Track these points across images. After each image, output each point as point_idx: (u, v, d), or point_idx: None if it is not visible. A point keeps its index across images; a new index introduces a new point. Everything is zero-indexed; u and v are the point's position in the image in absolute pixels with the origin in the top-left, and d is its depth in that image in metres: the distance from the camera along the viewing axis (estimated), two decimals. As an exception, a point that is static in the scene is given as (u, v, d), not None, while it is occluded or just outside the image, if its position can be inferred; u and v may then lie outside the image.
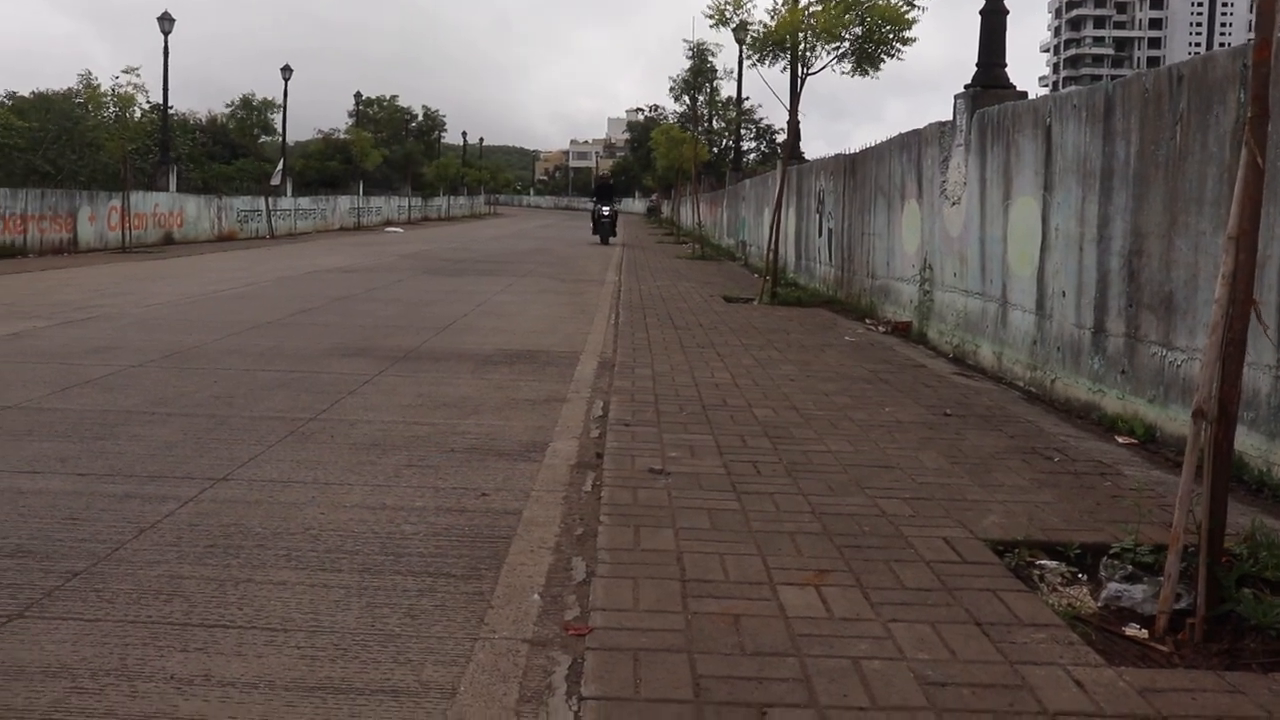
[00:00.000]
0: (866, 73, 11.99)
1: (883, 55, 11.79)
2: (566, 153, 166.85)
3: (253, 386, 6.30)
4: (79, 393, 5.98)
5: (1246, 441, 4.36)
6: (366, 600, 3.02)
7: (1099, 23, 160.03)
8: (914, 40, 11.74)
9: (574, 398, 6.24)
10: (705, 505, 3.93)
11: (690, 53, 27.62)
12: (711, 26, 13.71)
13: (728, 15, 13.37)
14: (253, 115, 35.57)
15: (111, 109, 24.49)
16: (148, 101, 27.16)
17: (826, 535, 3.62)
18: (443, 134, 74.43)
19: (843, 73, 12.19)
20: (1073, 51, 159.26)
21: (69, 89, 27.76)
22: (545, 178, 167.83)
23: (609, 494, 4.07)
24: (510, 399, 6.18)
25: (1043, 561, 3.46)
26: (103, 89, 25.57)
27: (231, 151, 43.64)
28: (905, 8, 11.47)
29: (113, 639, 2.70)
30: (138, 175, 25.75)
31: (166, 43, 27.81)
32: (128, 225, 22.41)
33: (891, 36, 11.59)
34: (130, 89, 23.66)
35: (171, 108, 30.06)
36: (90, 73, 26.21)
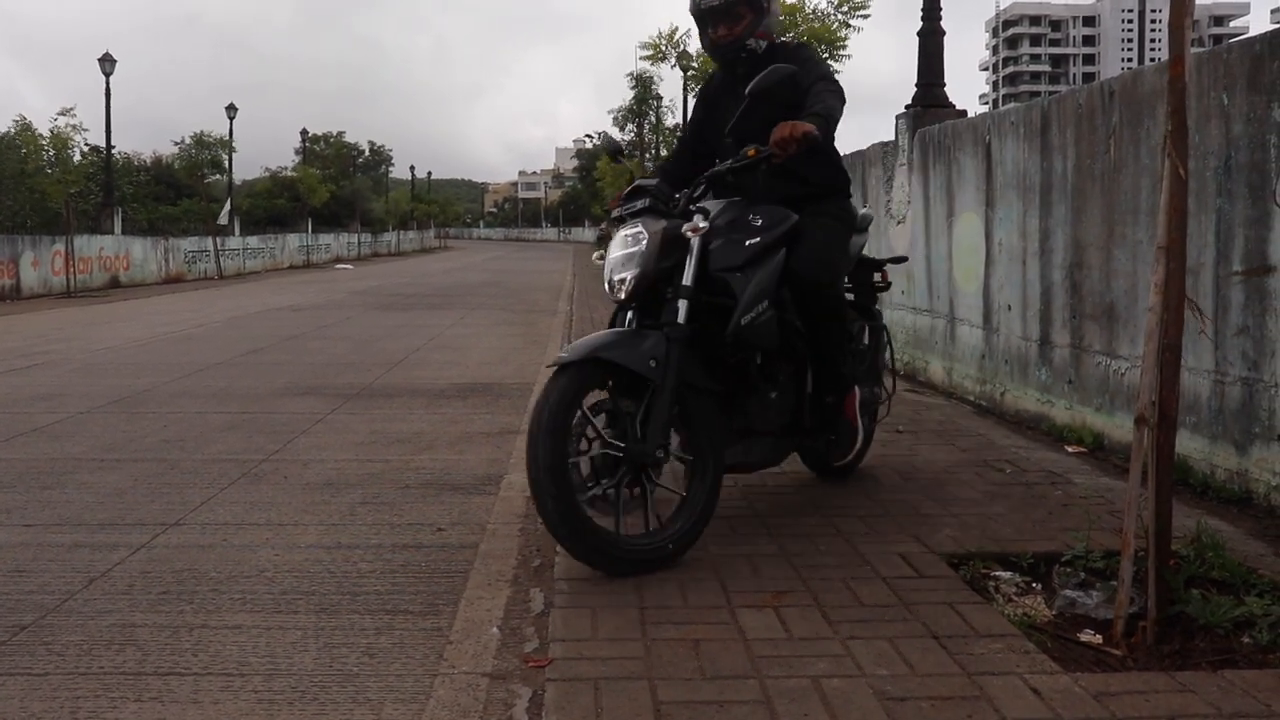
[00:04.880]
0: None
1: None
2: (515, 184, 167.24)
3: (204, 429, 6.22)
4: (24, 441, 5.87)
5: (1190, 445, 4.45)
6: (324, 641, 2.99)
7: (1035, 41, 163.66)
8: (849, 58, 11.88)
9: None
10: (663, 531, 3.93)
11: (633, 83, 27.67)
12: (651, 64, 13.78)
13: (664, 50, 13.50)
14: (205, 153, 35.28)
15: (49, 152, 24.21)
16: (86, 143, 26.91)
17: (784, 556, 3.64)
18: (390, 168, 74.31)
19: None
20: (1010, 69, 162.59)
21: (5, 133, 27.34)
22: (494, 209, 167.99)
23: (566, 523, 4.05)
24: (464, 432, 6.15)
25: (997, 573, 3.50)
26: (39, 131, 25.31)
27: (177, 192, 43.23)
28: (839, 27, 11.62)
29: (63, 693, 2.65)
30: (81, 218, 25.41)
31: (108, 84, 27.56)
32: (72, 270, 22.08)
33: (827, 56, 11.73)
34: (69, 130, 23.42)
35: (115, 148, 29.75)
36: (24, 117, 25.82)
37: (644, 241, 3.56)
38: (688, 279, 3.55)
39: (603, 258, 3.88)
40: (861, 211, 4.55)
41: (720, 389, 3.70)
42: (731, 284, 3.61)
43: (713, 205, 3.85)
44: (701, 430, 3.59)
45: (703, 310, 3.59)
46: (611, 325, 3.77)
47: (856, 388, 4.19)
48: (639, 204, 3.77)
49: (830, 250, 3.98)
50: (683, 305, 3.53)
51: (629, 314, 3.68)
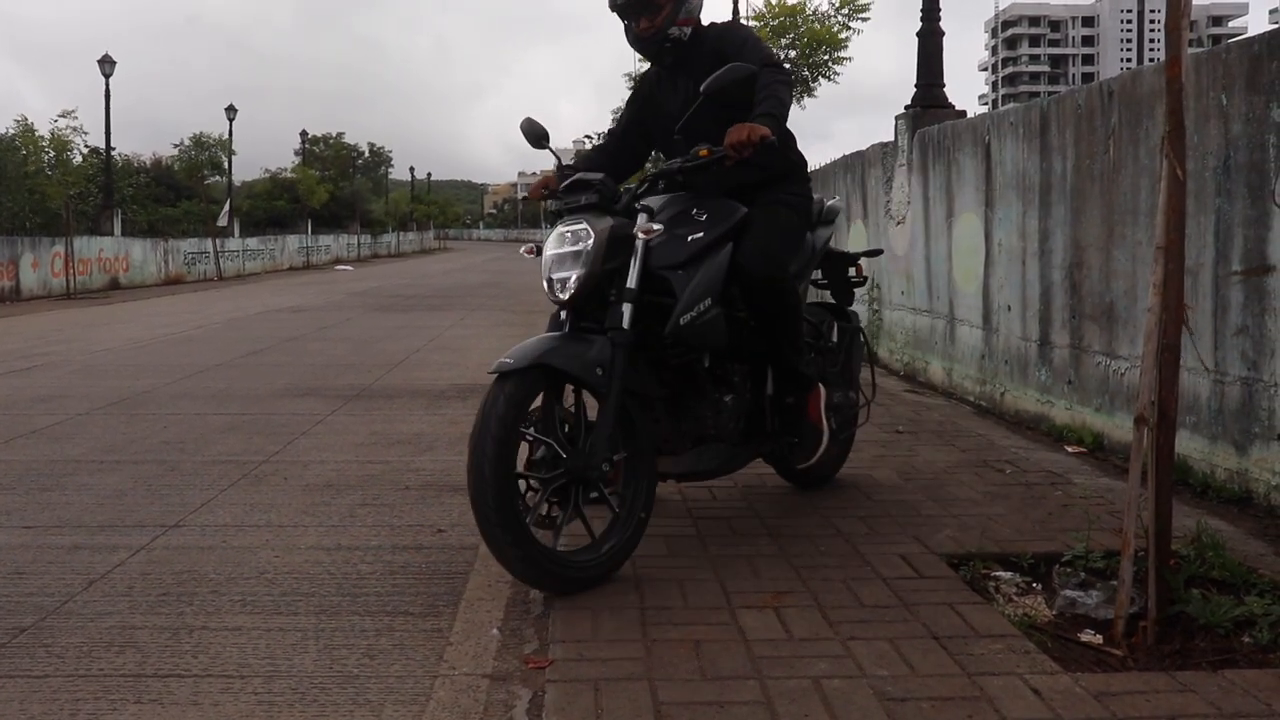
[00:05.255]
0: (801, 98, 12.09)
1: (819, 78, 11.92)
2: (514, 185, 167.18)
3: (204, 430, 6.22)
4: (24, 443, 5.87)
5: (1190, 445, 4.45)
6: (324, 642, 2.99)
7: (1034, 41, 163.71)
8: (849, 60, 11.88)
9: (529, 429, 6.22)
10: (662, 532, 3.93)
11: (630, 84, 27.58)
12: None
13: None
14: (204, 154, 35.25)
15: (49, 153, 24.21)
16: (86, 145, 26.90)
17: (784, 557, 3.64)
18: (389, 169, 74.21)
19: None
20: (1010, 70, 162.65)
21: (5, 134, 27.35)
22: (494, 210, 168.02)
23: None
24: (464, 434, 6.08)
25: (997, 573, 3.50)
26: (40, 133, 25.32)
27: (176, 193, 43.19)
28: (840, 29, 11.62)
29: (63, 695, 2.65)
30: (81, 219, 25.41)
31: (108, 85, 27.61)
32: (72, 271, 22.09)
33: (827, 58, 11.72)
34: (69, 132, 23.42)
35: (114, 150, 29.74)
36: (26, 118, 25.87)
37: (589, 241, 3.34)
38: (632, 281, 3.39)
39: (531, 251, 3.71)
40: (828, 203, 4.38)
41: (665, 393, 3.58)
42: (673, 282, 3.46)
43: (655, 200, 3.66)
44: (640, 439, 3.42)
45: (644, 310, 3.43)
46: (550, 327, 3.53)
47: (823, 389, 4.03)
48: (582, 199, 3.50)
49: (778, 242, 3.78)
50: (627, 309, 3.36)
51: (563, 315, 3.46)
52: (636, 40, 3.94)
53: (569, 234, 3.41)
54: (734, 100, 3.55)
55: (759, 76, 3.57)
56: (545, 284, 3.46)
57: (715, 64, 3.58)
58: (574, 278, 3.36)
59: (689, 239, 3.55)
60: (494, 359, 3.34)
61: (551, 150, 4.03)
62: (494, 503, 3.08)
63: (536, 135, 3.98)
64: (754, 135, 3.39)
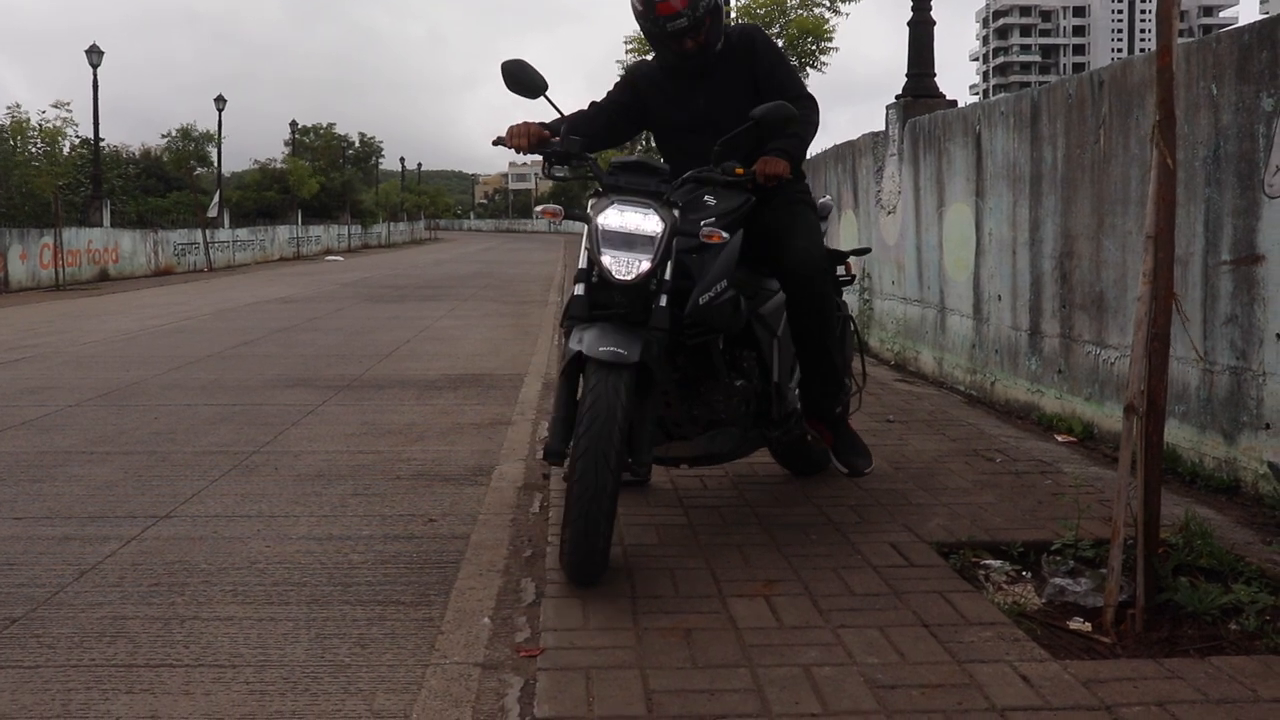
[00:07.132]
0: None
1: (807, 69, 11.91)
2: (505, 175, 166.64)
3: (194, 421, 6.21)
4: (13, 435, 5.85)
5: (1179, 434, 4.47)
6: (315, 632, 2.99)
7: (1025, 31, 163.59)
8: (836, 50, 11.87)
9: (519, 420, 6.23)
10: (653, 521, 3.95)
11: (621, 73, 27.61)
12: (638, 56, 13.73)
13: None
14: (191, 146, 35.07)
15: (39, 144, 24.10)
16: (77, 135, 26.79)
17: (775, 546, 3.65)
18: (380, 160, 73.90)
19: None
20: (1001, 60, 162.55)
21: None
22: (485, 201, 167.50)
23: (556, 514, 4.05)
24: (455, 424, 6.15)
25: (987, 561, 3.52)
26: (30, 124, 25.22)
27: (166, 184, 42.98)
28: (829, 16, 11.61)
29: (54, 685, 2.65)
30: (69, 210, 25.28)
31: (96, 76, 27.42)
32: (61, 262, 21.98)
33: (814, 48, 11.71)
34: (59, 123, 23.30)
35: (103, 139, 29.56)
36: (19, 105, 25.85)
37: (662, 231, 3.35)
38: (668, 273, 3.40)
39: (555, 215, 3.65)
40: (820, 200, 4.44)
41: (678, 377, 3.65)
42: (689, 265, 3.51)
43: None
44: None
45: None
46: (572, 308, 3.42)
47: None
48: (651, 185, 3.49)
49: (818, 239, 3.98)
50: (664, 300, 3.35)
51: (578, 292, 3.41)
52: (680, 56, 3.93)
53: (634, 215, 3.39)
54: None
55: (795, 102, 3.77)
56: (604, 259, 3.35)
57: (743, 76, 3.92)
58: (644, 263, 3.32)
59: (702, 224, 3.58)
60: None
61: (549, 100, 3.88)
62: (610, 494, 3.09)
63: (533, 86, 3.79)
64: (785, 173, 3.74)
